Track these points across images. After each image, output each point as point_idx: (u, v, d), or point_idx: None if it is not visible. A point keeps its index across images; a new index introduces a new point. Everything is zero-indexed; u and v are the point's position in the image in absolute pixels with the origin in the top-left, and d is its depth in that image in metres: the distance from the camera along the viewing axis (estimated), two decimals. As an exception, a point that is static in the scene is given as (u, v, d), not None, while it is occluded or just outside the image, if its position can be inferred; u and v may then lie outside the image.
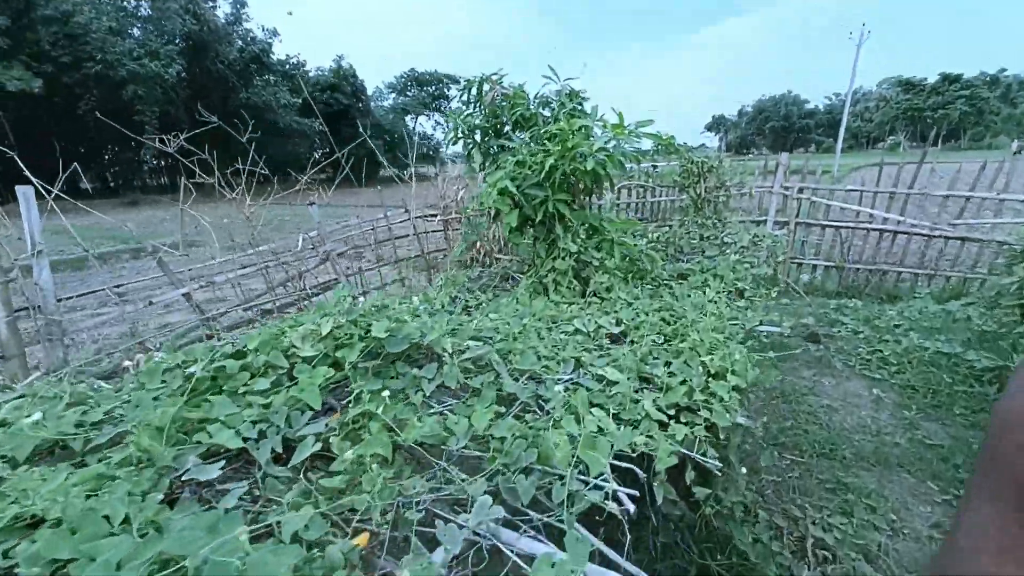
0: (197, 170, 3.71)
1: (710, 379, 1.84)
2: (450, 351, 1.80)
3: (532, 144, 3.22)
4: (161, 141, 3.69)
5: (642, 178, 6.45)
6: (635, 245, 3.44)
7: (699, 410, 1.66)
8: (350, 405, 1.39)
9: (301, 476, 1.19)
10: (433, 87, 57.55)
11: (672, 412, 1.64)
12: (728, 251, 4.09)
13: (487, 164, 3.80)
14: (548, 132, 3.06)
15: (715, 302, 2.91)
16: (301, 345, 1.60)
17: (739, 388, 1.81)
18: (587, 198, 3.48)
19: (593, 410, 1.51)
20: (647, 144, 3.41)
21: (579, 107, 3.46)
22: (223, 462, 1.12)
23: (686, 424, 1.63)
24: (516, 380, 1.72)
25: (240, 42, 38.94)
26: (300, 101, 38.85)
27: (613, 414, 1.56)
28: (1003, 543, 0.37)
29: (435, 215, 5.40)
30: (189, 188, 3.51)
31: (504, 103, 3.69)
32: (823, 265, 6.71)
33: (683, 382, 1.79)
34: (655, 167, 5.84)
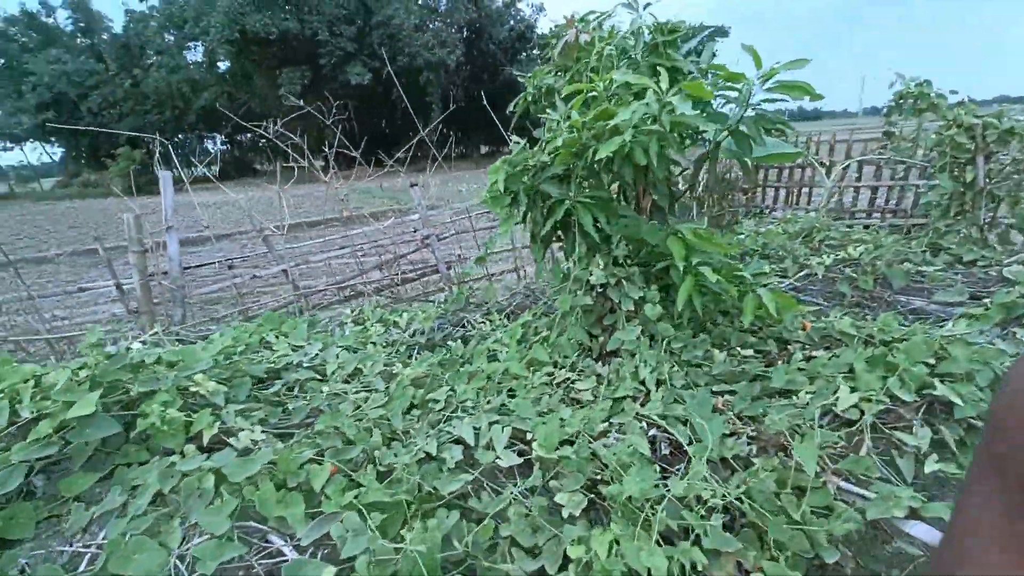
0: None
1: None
2: (200, 447, 1.27)
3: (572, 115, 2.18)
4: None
5: (895, 146, 4.01)
6: (731, 277, 2.05)
7: None
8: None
9: None
10: (695, 41, 51.53)
11: None
12: (1001, 297, 2.13)
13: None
14: (575, 93, 1.98)
15: (826, 426, 1.50)
16: (27, 402, 1.32)
17: None
18: (652, 196, 2.21)
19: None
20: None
21: (669, 50, 2.16)
22: None
23: None
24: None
25: (511, 21, 42.69)
26: (555, 72, 40.75)
27: None
28: (1004, 543, 0.36)
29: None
30: (293, 168, 3.78)
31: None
32: None
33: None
34: (891, 132, 3.42)
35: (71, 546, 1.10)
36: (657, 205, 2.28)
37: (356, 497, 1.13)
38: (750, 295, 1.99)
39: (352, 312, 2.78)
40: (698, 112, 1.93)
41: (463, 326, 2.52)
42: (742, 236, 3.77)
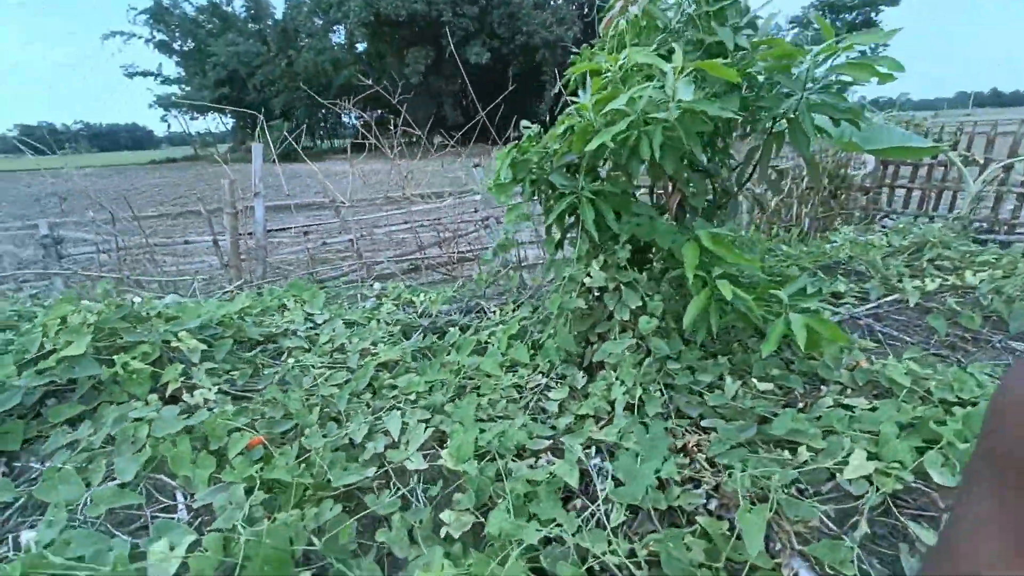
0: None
1: None
2: (162, 397, 1.40)
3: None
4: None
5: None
6: (767, 294, 1.73)
7: None
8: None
9: None
10: (854, 14, 44.22)
11: None
12: None
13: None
14: (597, 74, 1.78)
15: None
16: (51, 336, 1.56)
17: None
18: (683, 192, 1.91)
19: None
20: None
21: (714, 23, 1.83)
22: None
23: None
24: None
25: (637, -6, 40.46)
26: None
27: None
28: (1001, 540, 0.36)
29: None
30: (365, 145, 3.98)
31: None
32: None
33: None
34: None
35: (43, 464, 1.29)
36: (690, 204, 2.00)
37: (259, 472, 1.16)
38: (779, 319, 1.67)
39: (376, 287, 2.88)
40: (728, 96, 1.62)
41: (476, 313, 2.48)
42: (831, 245, 3.20)
